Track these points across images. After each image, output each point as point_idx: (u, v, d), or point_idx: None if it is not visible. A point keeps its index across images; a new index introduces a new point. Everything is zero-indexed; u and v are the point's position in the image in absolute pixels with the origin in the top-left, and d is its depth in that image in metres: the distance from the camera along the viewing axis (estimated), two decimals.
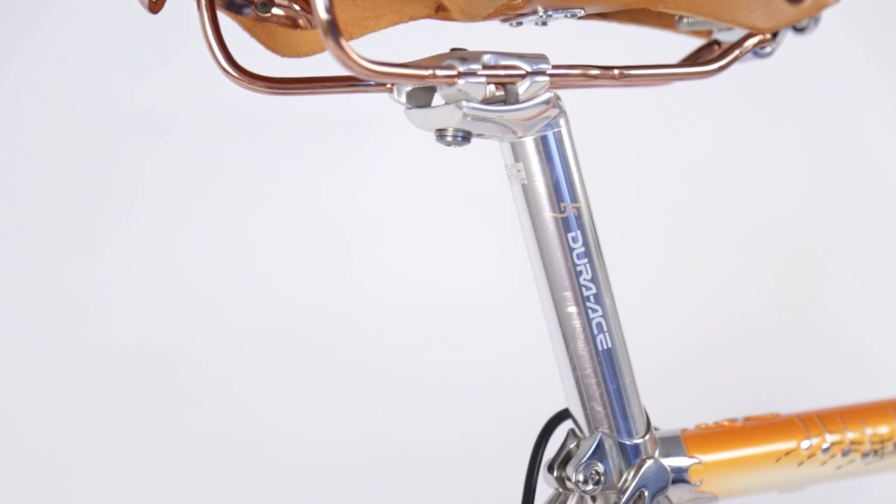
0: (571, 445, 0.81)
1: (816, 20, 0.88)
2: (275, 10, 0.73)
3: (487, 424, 1.42)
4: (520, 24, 0.77)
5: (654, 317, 1.47)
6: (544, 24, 0.77)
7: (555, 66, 0.75)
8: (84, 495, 1.35)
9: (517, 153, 0.76)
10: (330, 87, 0.75)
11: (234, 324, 1.39)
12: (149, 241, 1.37)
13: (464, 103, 0.71)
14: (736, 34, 0.86)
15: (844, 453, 0.89)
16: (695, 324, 1.51)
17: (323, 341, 1.41)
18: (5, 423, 1.34)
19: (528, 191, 0.77)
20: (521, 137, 0.76)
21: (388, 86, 0.75)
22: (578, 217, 0.77)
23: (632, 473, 0.80)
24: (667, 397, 1.24)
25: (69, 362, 1.35)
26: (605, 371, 0.79)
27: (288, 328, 1.40)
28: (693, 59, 0.89)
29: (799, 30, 0.87)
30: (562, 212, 0.77)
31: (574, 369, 0.79)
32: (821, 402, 0.93)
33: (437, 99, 0.74)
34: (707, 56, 0.87)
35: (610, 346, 0.79)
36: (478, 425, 1.43)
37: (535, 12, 0.74)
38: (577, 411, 0.81)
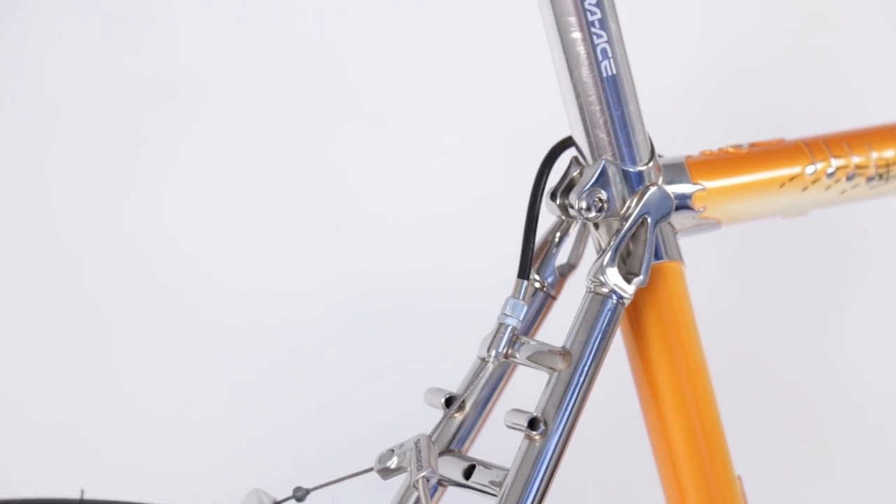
0: (574, 173, 0.81)
1: None
2: None
3: (495, 147, 1.42)
4: None
5: (661, 43, 1.44)
6: None
7: None
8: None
9: None
10: None
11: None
12: None
13: None
14: None
15: (849, 178, 0.89)
16: (702, 50, 1.48)
17: None
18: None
19: None
20: None
21: None
22: None
23: (635, 200, 0.80)
24: (672, 125, 1.23)
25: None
26: (609, 98, 0.78)
27: None
28: None
29: None
30: None
31: (578, 96, 0.79)
32: (829, 128, 0.92)
33: None
34: None
35: (614, 72, 0.78)
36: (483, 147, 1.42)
37: None
38: (580, 139, 0.80)
